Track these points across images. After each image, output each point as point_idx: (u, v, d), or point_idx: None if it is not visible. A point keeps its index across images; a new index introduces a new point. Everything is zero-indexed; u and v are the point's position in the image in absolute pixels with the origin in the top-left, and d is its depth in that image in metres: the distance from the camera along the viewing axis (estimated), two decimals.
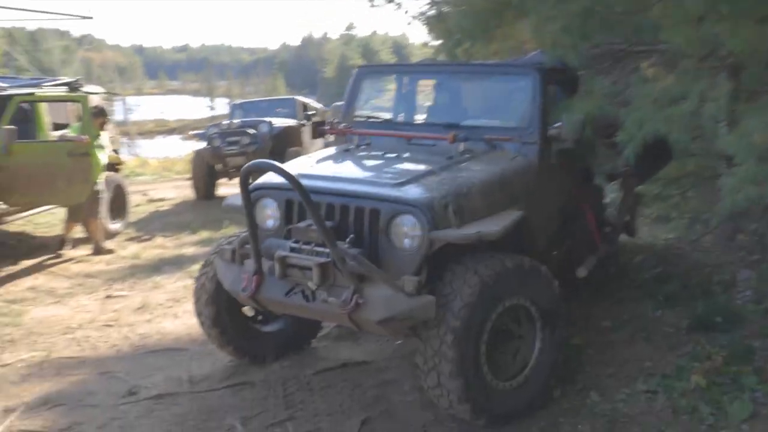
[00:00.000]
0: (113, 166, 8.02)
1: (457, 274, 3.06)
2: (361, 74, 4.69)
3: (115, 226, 7.80)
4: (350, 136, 4.30)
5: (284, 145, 10.38)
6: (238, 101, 15.16)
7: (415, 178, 3.33)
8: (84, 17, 26.12)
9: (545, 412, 3.40)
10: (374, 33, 79.00)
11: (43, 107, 7.33)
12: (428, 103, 4.71)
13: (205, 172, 10.28)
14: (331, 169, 3.80)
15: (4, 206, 6.33)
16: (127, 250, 7.15)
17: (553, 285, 3.39)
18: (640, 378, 3.65)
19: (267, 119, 10.66)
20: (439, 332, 2.96)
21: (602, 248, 4.76)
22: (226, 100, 45.78)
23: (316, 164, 3.85)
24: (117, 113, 42.46)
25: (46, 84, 7.55)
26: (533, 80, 3.97)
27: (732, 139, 3.41)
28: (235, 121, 10.79)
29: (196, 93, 68.20)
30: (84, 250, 6.95)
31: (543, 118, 3.88)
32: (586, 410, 3.41)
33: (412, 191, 3.18)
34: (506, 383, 3.26)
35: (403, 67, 5.13)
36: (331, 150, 4.23)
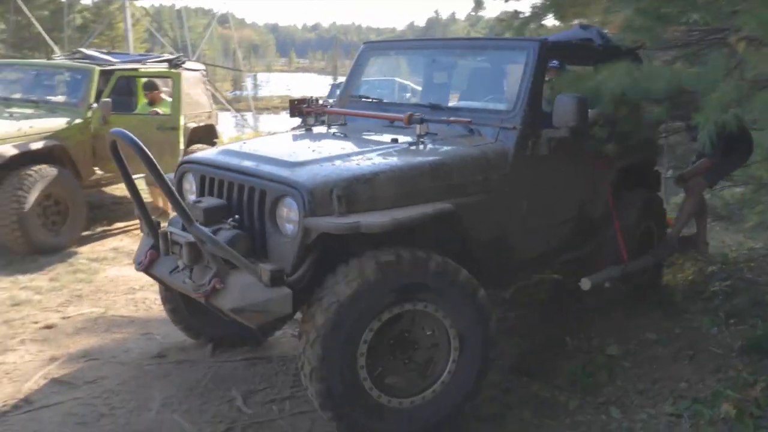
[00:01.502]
0: (210, 139, 8.48)
1: (336, 274, 2.73)
2: (365, 52, 4.49)
3: None
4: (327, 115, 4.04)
5: None
6: (338, 81, 15.48)
7: (317, 160, 3.00)
8: None
9: (555, 423, 3.23)
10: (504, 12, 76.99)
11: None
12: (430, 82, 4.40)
13: None
14: (260, 147, 3.44)
15: (100, 172, 6.90)
16: None
17: (468, 289, 2.90)
18: (669, 399, 3.36)
19: None
20: (307, 337, 2.69)
21: (639, 262, 4.31)
22: None
23: (254, 142, 3.61)
24: (246, 89, 44.86)
25: (150, 60, 8.08)
26: (527, 55, 3.52)
27: None
28: (330, 100, 11.02)
29: (321, 71, 70.47)
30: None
31: (532, 100, 3.44)
32: (599, 426, 3.20)
33: (302, 173, 2.85)
34: (403, 400, 2.86)
35: (405, 42, 4.79)
36: (301, 130, 4.01)
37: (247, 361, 3.78)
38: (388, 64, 4.76)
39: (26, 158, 5.85)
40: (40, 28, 26.29)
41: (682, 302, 4.60)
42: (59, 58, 8.18)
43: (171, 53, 16.80)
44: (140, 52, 31.13)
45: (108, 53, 8.19)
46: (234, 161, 3.16)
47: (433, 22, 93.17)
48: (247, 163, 3.09)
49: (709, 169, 4.55)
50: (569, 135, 3.36)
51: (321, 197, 2.72)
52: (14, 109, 6.49)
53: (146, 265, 3.25)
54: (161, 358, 3.84)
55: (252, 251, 2.88)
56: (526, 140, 3.41)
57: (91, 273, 5.53)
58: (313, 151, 3.23)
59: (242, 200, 2.99)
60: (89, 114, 6.49)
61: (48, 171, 5.88)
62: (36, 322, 4.42)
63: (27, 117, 6.22)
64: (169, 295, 3.73)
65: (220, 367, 3.71)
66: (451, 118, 3.59)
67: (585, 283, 3.92)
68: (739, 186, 6.02)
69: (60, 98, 6.77)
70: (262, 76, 58.56)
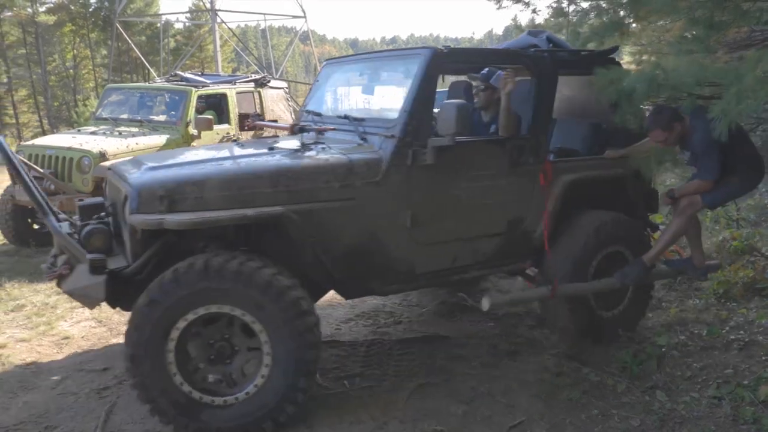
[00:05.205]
0: None
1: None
2: (326, 68, 4.64)
3: None
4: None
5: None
6: None
7: (169, 165, 3.24)
8: (296, 16, 29.02)
9: (602, 403, 3.48)
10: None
11: (232, 99, 8.60)
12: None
13: None
14: (155, 156, 3.77)
15: None
16: None
17: (274, 288, 2.92)
18: (714, 384, 3.54)
19: None
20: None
21: (585, 285, 3.89)
22: None
23: (164, 152, 3.92)
24: None
25: (239, 81, 8.83)
26: (417, 63, 3.40)
27: None
28: None
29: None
30: None
31: (416, 109, 3.32)
32: (643, 406, 3.42)
33: (142, 176, 3.10)
34: (221, 398, 3.05)
35: (354, 57, 4.55)
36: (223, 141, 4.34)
37: (324, 343, 4.25)
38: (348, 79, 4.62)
39: None
40: (138, 53, 28.42)
41: (741, 298, 4.70)
42: (159, 81, 9.07)
43: (256, 72, 17.86)
44: (227, 71, 32.86)
45: (201, 75, 9.02)
46: (123, 167, 3.47)
47: (511, 30, 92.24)
48: (125, 168, 3.40)
49: (707, 190, 3.70)
50: (453, 143, 3.28)
51: (147, 197, 2.94)
52: (122, 128, 7.37)
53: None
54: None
55: (119, 245, 3.30)
56: (405, 149, 3.32)
57: None
58: (181, 157, 3.48)
59: (118, 200, 3.36)
60: (185, 130, 7.27)
61: None
62: None
63: (133, 135, 7.06)
64: None
65: None
66: (324, 126, 3.77)
67: (484, 303, 3.63)
68: None
69: (161, 117, 7.61)
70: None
